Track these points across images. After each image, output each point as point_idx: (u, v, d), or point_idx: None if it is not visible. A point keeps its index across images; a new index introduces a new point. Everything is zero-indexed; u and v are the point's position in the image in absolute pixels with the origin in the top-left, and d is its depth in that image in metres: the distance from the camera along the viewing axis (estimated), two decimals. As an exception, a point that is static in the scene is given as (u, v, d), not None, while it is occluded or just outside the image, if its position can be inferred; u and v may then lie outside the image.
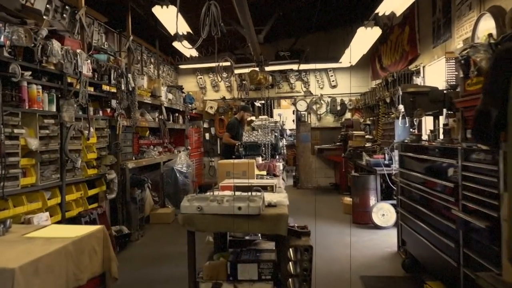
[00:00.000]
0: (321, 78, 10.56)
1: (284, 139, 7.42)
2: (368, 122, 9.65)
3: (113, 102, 5.44)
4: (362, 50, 7.21)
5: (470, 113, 3.11)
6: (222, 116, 10.49)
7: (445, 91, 4.56)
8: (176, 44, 7.85)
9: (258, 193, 2.91)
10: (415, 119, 4.53)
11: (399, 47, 7.24)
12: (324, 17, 9.22)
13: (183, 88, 9.13)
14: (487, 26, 4.09)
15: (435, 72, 5.78)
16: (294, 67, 9.05)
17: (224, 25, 5.20)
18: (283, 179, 5.67)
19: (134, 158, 6.22)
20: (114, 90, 5.40)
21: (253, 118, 7.70)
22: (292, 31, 9.89)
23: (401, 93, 6.09)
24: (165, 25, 6.43)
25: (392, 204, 6.16)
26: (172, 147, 8.39)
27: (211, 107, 10.67)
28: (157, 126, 7.18)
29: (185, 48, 7.86)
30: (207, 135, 10.76)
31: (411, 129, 5.92)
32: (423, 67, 6.07)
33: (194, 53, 7.92)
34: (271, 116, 12.81)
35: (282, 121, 7.29)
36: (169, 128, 8.23)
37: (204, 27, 3.87)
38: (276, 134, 6.95)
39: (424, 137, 5.05)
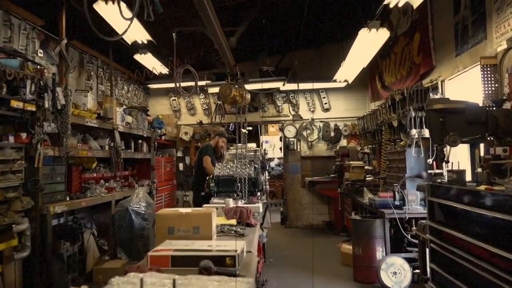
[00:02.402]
0: (312, 100, 9.26)
1: (266, 171, 6.01)
2: (367, 150, 8.31)
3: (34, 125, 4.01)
4: (363, 62, 5.89)
5: None
6: (199, 143, 9.05)
7: (487, 109, 3.23)
8: (138, 57, 6.54)
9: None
10: (445, 148, 3.16)
11: (406, 60, 5.97)
12: (314, 31, 8.02)
13: (148, 110, 7.73)
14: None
15: (460, 87, 4.48)
16: (280, 85, 7.74)
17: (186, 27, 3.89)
18: (262, 228, 4.23)
19: (68, 198, 4.73)
20: (32, 108, 3.98)
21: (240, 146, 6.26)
22: (279, 48, 8.66)
23: (413, 114, 4.77)
24: (115, 28, 5.10)
25: (405, 259, 4.72)
26: (134, 181, 6.92)
27: (186, 133, 9.27)
28: (107, 156, 5.73)
29: (147, 61, 6.61)
30: (181, 166, 9.29)
31: (429, 161, 4.58)
32: (442, 81, 4.76)
33: (158, 67, 6.60)
34: (258, 145, 11.47)
35: (264, 150, 5.89)
36: (130, 158, 6.79)
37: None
38: (256, 166, 5.55)
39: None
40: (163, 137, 8.04)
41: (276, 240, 7.76)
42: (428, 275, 3.28)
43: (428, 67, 5.15)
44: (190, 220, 2.79)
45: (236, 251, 2.33)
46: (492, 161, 2.73)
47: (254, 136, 14.70)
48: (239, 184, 5.15)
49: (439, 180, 2.94)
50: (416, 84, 5.06)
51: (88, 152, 5.16)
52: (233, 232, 3.38)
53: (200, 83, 7.85)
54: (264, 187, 5.82)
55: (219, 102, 8.03)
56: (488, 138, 3.21)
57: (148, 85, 8.67)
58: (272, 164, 14.44)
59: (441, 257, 2.71)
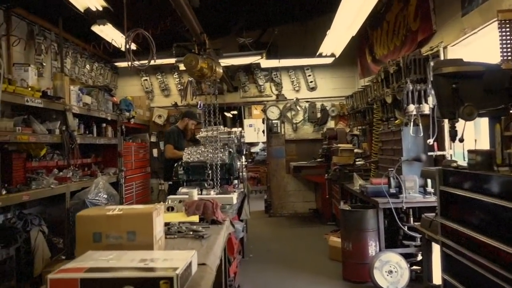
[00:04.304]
0: (297, 78, 8.51)
1: (243, 156, 5.30)
2: (356, 132, 7.65)
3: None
4: (351, 30, 5.14)
5: None
6: (174, 127, 8.29)
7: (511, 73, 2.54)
8: (96, 29, 5.73)
9: None
10: (457, 122, 2.47)
11: (400, 28, 5.26)
12: (298, 2, 7.24)
13: (112, 90, 6.91)
14: None
15: (466, 53, 3.80)
16: (259, 59, 6.96)
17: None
18: (232, 223, 3.52)
19: (4, 192, 3.97)
20: None
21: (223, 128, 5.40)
22: (259, 22, 7.87)
23: (410, 88, 4.08)
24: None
25: (402, 255, 4.09)
26: (97, 170, 6.18)
27: (160, 116, 8.49)
28: (60, 141, 4.95)
29: (107, 34, 5.82)
30: (155, 151, 8.53)
31: (429, 141, 3.93)
32: (444, 48, 4.07)
33: (119, 39, 5.78)
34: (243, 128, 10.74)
35: (240, 131, 5.17)
36: (92, 144, 6.03)
37: None
38: (231, 150, 4.85)
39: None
40: (132, 120, 7.24)
41: (258, 231, 7.11)
42: (434, 281, 2.63)
43: (427, 33, 4.44)
44: (123, 223, 2.06)
45: (175, 269, 1.62)
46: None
47: (237, 120, 13.95)
48: (209, 172, 4.45)
49: (454, 164, 2.27)
50: (413, 53, 4.35)
51: (30, 137, 4.37)
52: (191, 233, 2.68)
53: (171, 60, 7.04)
54: (241, 174, 5.13)
55: (190, 79, 7.24)
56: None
57: (115, 63, 7.82)
58: (257, 149, 13.75)
59: (458, 266, 2.06)
